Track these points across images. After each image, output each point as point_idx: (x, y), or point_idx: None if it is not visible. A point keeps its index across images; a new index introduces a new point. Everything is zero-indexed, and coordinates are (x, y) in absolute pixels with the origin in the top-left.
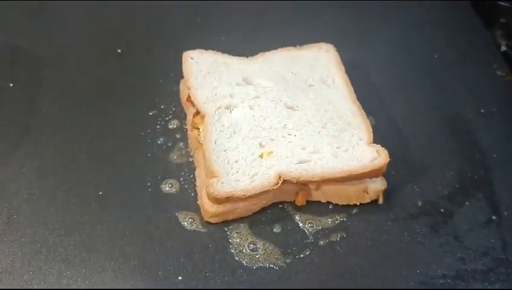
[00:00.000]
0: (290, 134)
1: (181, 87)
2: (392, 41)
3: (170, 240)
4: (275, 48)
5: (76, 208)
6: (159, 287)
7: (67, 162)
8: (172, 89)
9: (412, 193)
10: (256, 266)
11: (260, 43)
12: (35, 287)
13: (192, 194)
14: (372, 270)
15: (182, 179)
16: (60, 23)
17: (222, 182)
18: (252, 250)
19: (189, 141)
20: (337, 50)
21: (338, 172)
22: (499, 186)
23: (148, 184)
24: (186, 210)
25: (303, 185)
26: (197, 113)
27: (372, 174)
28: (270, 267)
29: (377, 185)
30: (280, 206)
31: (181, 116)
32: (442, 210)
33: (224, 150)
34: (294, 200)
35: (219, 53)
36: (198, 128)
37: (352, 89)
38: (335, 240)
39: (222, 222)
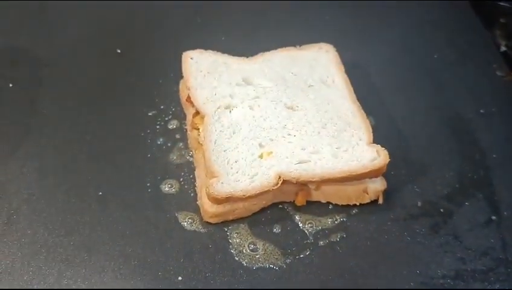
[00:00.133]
0: (289, 134)
1: (181, 87)
2: (392, 41)
3: (170, 240)
4: (275, 48)
5: (76, 208)
6: (159, 288)
7: (67, 163)
8: (172, 89)
9: (412, 193)
10: (256, 266)
11: (260, 43)
12: (35, 288)
13: (192, 195)
14: (372, 270)
15: (181, 179)
16: (60, 23)
17: (222, 182)
18: (252, 250)
19: (188, 141)
20: (337, 50)
21: (338, 172)
22: (499, 186)
23: (148, 184)
24: (186, 210)
25: (303, 185)
26: (197, 113)
27: (372, 174)
28: (270, 267)
29: (377, 185)
30: (280, 206)
31: (181, 116)
32: (442, 210)
33: (224, 150)
34: (294, 201)
35: (219, 53)
36: (198, 129)
37: (352, 89)
38: (335, 240)
39: (222, 222)
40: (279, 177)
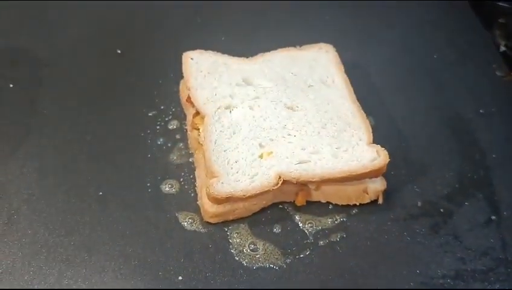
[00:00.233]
0: (289, 134)
1: (181, 87)
2: (392, 41)
3: (170, 240)
4: (275, 48)
5: (77, 208)
6: (159, 288)
7: (68, 163)
8: (172, 89)
9: (412, 193)
10: (257, 266)
11: (260, 44)
12: (35, 288)
13: (192, 195)
14: (372, 270)
15: (181, 179)
16: (60, 23)
17: (222, 182)
18: (252, 250)
19: (189, 142)
20: (337, 50)
21: (338, 172)
22: (499, 186)
23: (148, 184)
24: (186, 210)
25: (303, 185)
26: (197, 113)
27: (372, 174)
28: (270, 267)
29: (377, 185)
30: (280, 206)
31: (181, 116)
32: (442, 210)
33: (224, 151)
34: (294, 201)
35: (219, 53)
36: (198, 129)
37: (351, 89)
38: (335, 240)
39: (222, 222)
40: (279, 177)
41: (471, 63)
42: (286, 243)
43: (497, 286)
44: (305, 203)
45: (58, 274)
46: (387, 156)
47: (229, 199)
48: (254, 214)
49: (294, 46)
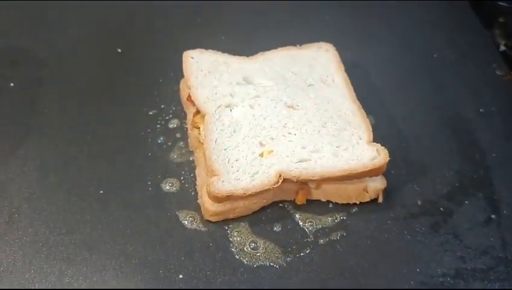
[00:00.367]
0: (290, 133)
1: (181, 86)
2: (392, 41)
3: (171, 238)
4: (275, 47)
5: (77, 207)
6: (160, 286)
7: (68, 162)
8: (172, 88)
9: (412, 192)
10: (257, 264)
11: (260, 43)
12: (36, 286)
13: (192, 193)
14: (372, 269)
15: (182, 178)
16: (60, 23)
17: (222, 181)
18: (252, 249)
19: (189, 140)
20: (337, 50)
21: (338, 171)
22: (499, 185)
23: (149, 183)
24: (187, 209)
25: (303, 184)
26: (197, 112)
27: (372, 173)
28: (270, 265)
29: (377, 184)
30: (280, 205)
31: (181, 115)
32: (442, 209)
33: (225, 149)
34: (294, 199)
35: (219, 52)
36: (199, 128)
37: (352, 88)
38: (335, 238)
39: (222, 220)
40: (280, 176)
41: (471, 62)
42: (286, 241)
43: (497, 285)
44: (305, 202)
45: (59, 273)
46: (388, 154)
47: (229, 198)
48: (254, 212)
49: (295, 45)
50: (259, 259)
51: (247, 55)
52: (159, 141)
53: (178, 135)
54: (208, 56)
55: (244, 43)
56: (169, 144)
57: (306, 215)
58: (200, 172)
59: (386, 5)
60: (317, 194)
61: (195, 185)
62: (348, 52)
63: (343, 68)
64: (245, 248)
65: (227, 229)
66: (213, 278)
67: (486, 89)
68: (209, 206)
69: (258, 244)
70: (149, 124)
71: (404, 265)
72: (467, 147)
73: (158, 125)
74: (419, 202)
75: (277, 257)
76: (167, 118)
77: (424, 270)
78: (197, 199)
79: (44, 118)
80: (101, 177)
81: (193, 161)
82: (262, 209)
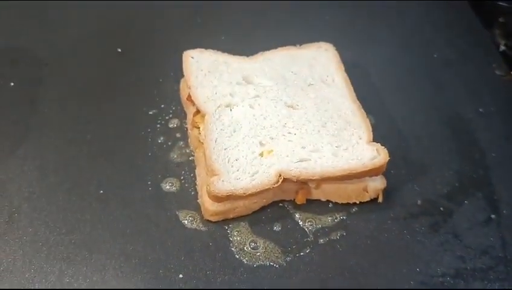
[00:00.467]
0: (290, 133)
1: (181, 86)
2: (392, 41)
3: (171, 238)
4: (275, 47)
5: (77, 206)
6: (160, 286)
7: (68, 161)
8: (172, 88)
9: (412, 192)
10: (257, 264)
11: (260, 43)
12: (36, 286)
13: (192, 193)
14: (372, 268)
15: (182, 177)
16: (60, 23)
17: (223, 181)
18: (252, 248)
19: (189, 140)
20: (337, 50)
21: (338, 171)
22: (498, 185)
23: (149, 183)
24: (187, 209)
25: (303, 183)
26: (197, 112)
27: (372, 173)
28: (270, 265)
29: (377, 184)
30: (280, 204)
31: (181, 115)
32: (441, 209)
33: (225, 149)
34: (294, 199)
35: (219, 52)
36: (199, 127)
37: (351, 88)
38: (335, 238)
39: (222, 220)
40: (280, 176)
41: (471, 62)
42: (286, 241)
43: (496, 285)
44: (305, 202)
45: (59, 272)
46: (387, 154)
47: (229, 197)
48: (254, 212)
49: (294, 45)
50: (259, 259)
51: (247, 55)
52: (159, 141)
53: (178, 135)
54: (207, 56)
55: (244, 43)
56: (169, 143)
57: (306, 215)
58: (200, 172)
59: (386, 5)
60: (317, 194)
61: (195, 184)
62: (348, 52)
63: (343, 68)
64: (245, 248)
65: (227, 229)
66: (213, 277)
67: (486, 89)
68: (209, 205)
69: (258, 244)
70: (149, 123)
71: (404, 265)
72: (467, 146)
73: (158, 125)
74: (419, 202)
75: (277, 256)
76: (167, 117)
77: (424, 270)
78: (197, 199)
79: (44, 118)
80: (101, 176)
81: (193, 161)
82: (262, 209)
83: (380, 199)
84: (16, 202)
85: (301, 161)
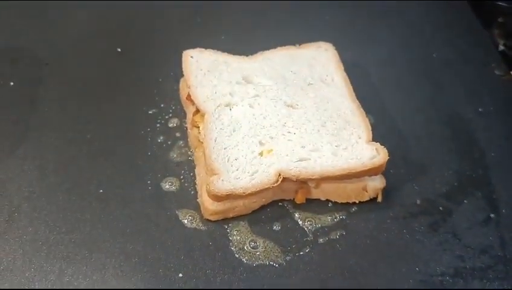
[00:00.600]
0: (289, 132)
1: (181, 85)
2: (392, 41)
3: (170, 237)
4: (275, 47)
5: (77, 206)
6: (160, 285)
7: (68, 161)
8: (172, 87)
9: (411, 191)
10: (257, 263)
11: (260, 43)
12: (36, 285)
13: (192, 192)
14: (371, 268)
15: (182, 177)
16: (60, 23)
17: (222, 180)
18: (252, 248)
19: (189, 139)
20: (337, 50)
21: (337, 170)
22: (498, 184)
23: (149, 182)
24: (187, 208)
25: (302, 183)
26: (197, 111)
27: (371, 172)
28: (270, 264)
29: (376, 183)
30: (280, 204)
31: (181, 114)
32: (441, 208)
33: (224, 148)
34: (293, 198)
35: (219, 52)
36: (198, 127)
37: (351, 87)
38: (334, 238)
39: (222, 219)
40: (279, 175)
41: (470, 62)
42: (286, 240)
43: (496, 284)
44: (304, 201)
45: (58, 271)
46: (387, 154)
47: (229, 197)
48: (254, 211)
49: (294, 45)
50: (259, 258)
51: (247, 55)
52: (159, 140)
53: (178, 134)
54: (207, 55)
55: (244, 42)
56: (169, 143)
57: (305, 214)
58: (199, 171)
59: (386, 5)
60: (316, 193)
61: (195, 184)
62: (347, 52)
63: (343, 68)
64: (245, 247)
65: (226, 228)
66: (213, 277)
67: (486, 88)
68: (208, 205)
69: (258, 243)
70: (149, 123)
71: (404, 264)
72: (466, 146)
73: (158, 125)
74: (418, 201)
75: (276, 256)
76: (167, 117)
77: (423, 269)
78: (197, 198)
79: (44, 118)
80: (101, 176)
81: (193, 160)
82: (262, 208)
83: (380, 199)
84: (15, 202)
85: (301, 160)
